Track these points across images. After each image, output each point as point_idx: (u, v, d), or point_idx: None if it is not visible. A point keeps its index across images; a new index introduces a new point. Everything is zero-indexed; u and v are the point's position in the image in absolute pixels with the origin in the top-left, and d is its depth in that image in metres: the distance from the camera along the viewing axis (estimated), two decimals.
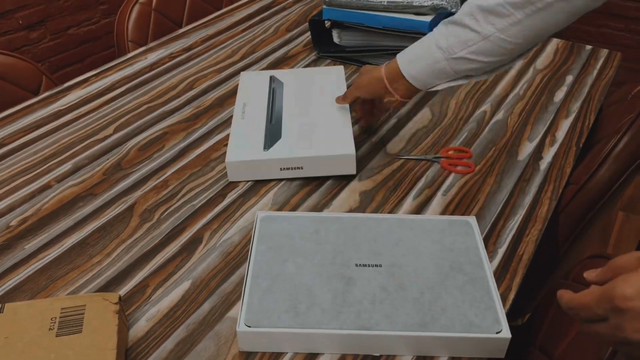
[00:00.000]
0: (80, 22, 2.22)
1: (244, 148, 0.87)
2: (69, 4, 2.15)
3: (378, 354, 0.62)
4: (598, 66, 1.20)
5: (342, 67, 1.08)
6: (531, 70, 1.18)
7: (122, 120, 1.01)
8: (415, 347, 0.61)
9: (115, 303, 0.61)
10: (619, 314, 0.45)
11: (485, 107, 1.06)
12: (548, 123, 1.01)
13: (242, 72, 1.08)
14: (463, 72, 0.78)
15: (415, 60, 0.80)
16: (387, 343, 0.61)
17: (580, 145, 0.96)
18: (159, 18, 1.41)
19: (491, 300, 0.63)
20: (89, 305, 0.61)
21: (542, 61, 1.22)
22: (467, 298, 0.63)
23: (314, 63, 1.21)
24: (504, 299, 0.67)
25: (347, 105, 0.96)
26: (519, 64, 1.20)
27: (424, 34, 1.07)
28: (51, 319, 0.59)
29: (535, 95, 1.10)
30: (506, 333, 0.60)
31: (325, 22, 1.20)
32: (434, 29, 0.80)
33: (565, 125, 1.01)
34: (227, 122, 1.00)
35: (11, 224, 0.79)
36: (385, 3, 1.11)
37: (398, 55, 0.83)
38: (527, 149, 0.95)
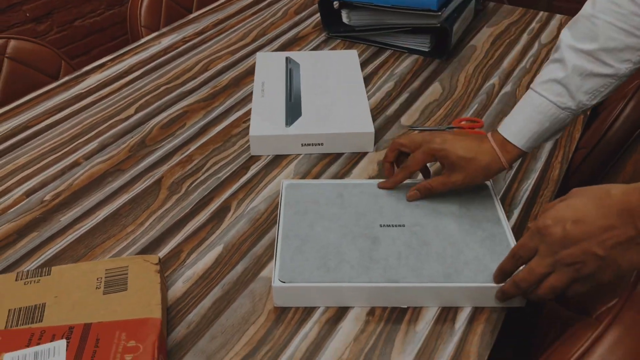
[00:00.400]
0: (86, 14, 2.24)
1: (266, 123, 0.90)
2: None
3: (405, 306, 0.65)
4: None
5: (355, 51, 1.11)
6: (536, 44, 1.21)
7: (142, 101, 1.04)
8: (441, 298, 0.64)
9: (156, 263, 0.65)
10: (544, 242, 0.56)
11: (494, 80, 1.09)
12: None
13: (257, 53, 1.11)
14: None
15: (539, 133, 0.70)
16: (414, 295, 0.64)
17: (588, 112, 0.99)
18: (170, 4, 1.44)
19: None
20: (131, 266, 0.64)
21: (546, 36, 1.25)
22: (488, 252, 0.67)
23: (324, 43, 1.24)
24: None
25: (363, 86, 0.99)
26: (525, 39, 1.23)
27: (432, 11, 1.11)
28: (97, 279, 0.63)
29: (540, 68, 1.13)
30: None
31: (334, 2, 1.23)
32: (539, 90, 0.69)
33: None
34: (244, 101, 1.04)
35: (45, 198, 0.82)
36: None
37: (512, 140, 0.70)
38: None
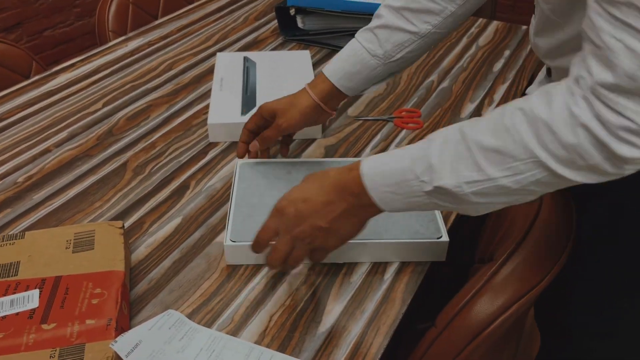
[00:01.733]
0: (56, 25, 2.31)
1: (223, 113, 0.99)
2: (44, 7, 2.24)
3: (342, 261, 0.74)
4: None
5: (308, 51, 1.22)
6: (474, 47, 1.34)
7: (110, 96, 1.12)
8: (372, 254, 0.74)
9: (120, 227, 0.73)
10: (282, 221, 0.63)
11: (433, 77, 1.21)
12: (487, 88, 1.16)
13: (218, 53, 1.20)
14: (397, 68, 0.83)
15: (351, 74, 0.81)
16: (349, 252, 0.73)
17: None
18: (137, 11, 1.52)
19: (433, 215, 0.77)
20: (97, 230, 0.72)
21: (483, 39, 1.37)
22: (414, 214, 0.77)
23: (280, 46, 1.34)
24: (445, 218, 0.81)
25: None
26: (464, 42, 1.35)
27: None
28: (67, 241, 0.71)
29: (477, 66, 1.25)
30: (445, 238, 0.73)
31: (290, 9, 1.33)
32: (357, 37, 0.82)
33: (501, 89, 1.16)
34: (205, 96, 1.12)
35: (18, 180, 0.89)
36: None
37: (326, 73, 0.82)
38: (468, 108, 1.10)
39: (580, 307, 0.77)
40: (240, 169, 0.86)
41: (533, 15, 0.72)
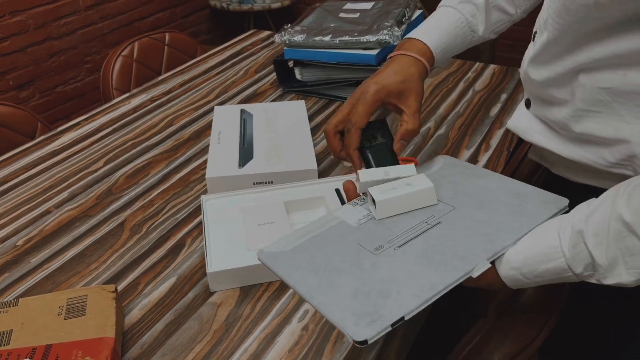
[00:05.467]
0: (67, 81, 2.38)
1: (221, 166, 1.00)
2: (56, 65, 2.32)
3: None
4: None
5: (303, 101, 1.23)
6: (470, 91, 1.35)
7: (111, 154, 1.14)
8: None
9: (112, 291, 0.73)
10: None
11: (430, 124, 1.21)
12: (484, 133, 1.17)
13: (215, 107, 1.22)
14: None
15: (451, 46, 0.77)
16: None
17: (511, 150, 1.10)
18: (140, 68, 1.56)
19: None
20: (90, 294, 0.72)
21: (480, 83, 1.38)
22: None
23: (279, 97, 1.36)
24: None
25: (309, 130, 1.11)
26: (460, 87, 1.36)
27: (372, 66, 1.25)
28: (59, 307, 0.71)
29: (473, 111, 1.25)
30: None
31: (288, 61, 1.36)
32: (458, 8, 0.78)
33: (498, 135, 1.16)
34: (204, 151, 1.14)
35: (17, 243, 0.90)
36: (337, 42, 1.27)
37: (429, 43, 0.75)
38: (465, 155, 1.09)
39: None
40: (206, 204, 0.90)
41: (530, 45, 0.72)
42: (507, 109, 1.26)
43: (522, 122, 0.74)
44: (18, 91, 2.21)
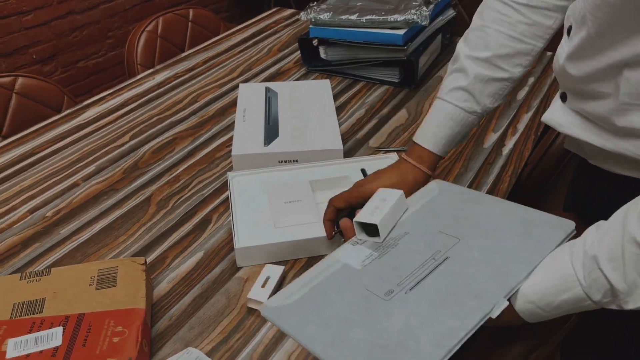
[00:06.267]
0: (89, 56, 2.39)
1: (246, 144, 1.01)
2: (79, 39, 2.32)
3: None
4: None
5: (328, 80, 1.23)
6: None
7: (136, 130, 1.15)
8: None
9: (142, 264, 0.74)
10: None
11: None
12: (511, 117, 1.15)
13: (240, 84, 1.22)
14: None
15: (452, 137, 0.78)
16: None
17: (538, 134, 1.09)
18: (164, 44, 1.56)
19: None
20: (120, 266, 0.74)
21: None
22: None
23: (303, 77, 1.35)
24: None
25: (334, 109, 1.10)
26: None
27: (399, 46, 1.23)
28: (90, 277, 0.72)
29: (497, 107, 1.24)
30: None
31: (313, 40, 1.35)
32: (446, 98, 0.77)
33: (525, 118, 1.14)
34: (228, 128, 1.14)
35: (47, 215, 0.92)
36: (364, 20, 1.26)
37: (427, 145, 0.78)
38: (491, 138, 1.08)
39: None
40: (233, 181, 0.91)
41: (565, 40, 0.70)
42: (535, 92, 1.24)
43: (558, 115, 0.72)
44: (41, 65, 2.22)
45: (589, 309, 0.53)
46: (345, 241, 0.70)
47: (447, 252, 0.61)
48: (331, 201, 0.78)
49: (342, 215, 0.78)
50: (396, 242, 0.65)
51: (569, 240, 0.58)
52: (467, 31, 0.79)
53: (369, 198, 0.72)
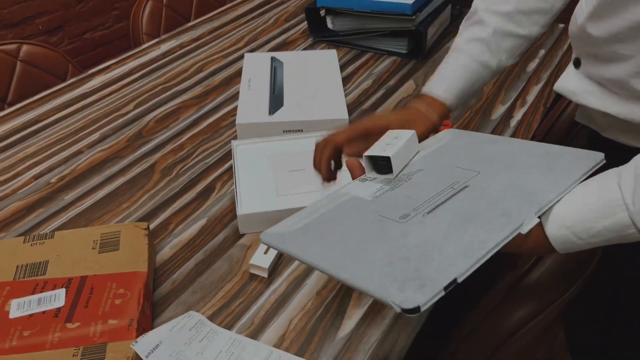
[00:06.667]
0: (95, 27, 2.37)
1: (251, 113, 1.00)
2: (85, 10, 2.30)
3: None
4: (568, 41, 1.31)
5: (334, 50, 1.21)
6: None
7: (141, 98, 1.15)
8: None
9: (145, 229, 0.74)
10: None
11: None
12: (520, 89, 1.13)
13: (246, 54, 1.21)
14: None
15: (465, 89, 0.75)
16: None
17: (547, 106, 1.07)
18: (170, 13, 1.55)
19: None
20: (123, 231, 0.74)
21: None
22: None
23: (310, 47, 1.33)
24: None
25: (340, 80, 1.09)
26: None
27: (407, 15, 1.21)
28: (93, 241, 0.72)
29: (509, 66, 1.21)
30: None
31: (320, 10, 1.33)
32: (463, 48, 0.74)
33: (535, 90, 1.13)
34: (234, 98, 1.13)
35: (51, 181, 0.92)
36: None
37: (441, 94, 0.74)
38: (499, 110, 1.07)
39: (609, 327, 0.74)
40: (237, 149, 0.90)
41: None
42: (545, 65, 1.22)
43: (571, 83, 0.70)
44: (47, 36, 2.21)
45: (629, 240, 0.48)
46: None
47: (467, 182, 0.57)
48: (331, 138, 0.70)
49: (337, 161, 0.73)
50: (409, 177, 0.62)
51: (598, 171, 0.54)
52: None
53: (383, 129, 0.68)
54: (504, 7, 0.73)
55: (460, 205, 0.54)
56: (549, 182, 0.55)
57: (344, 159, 0.71)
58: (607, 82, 0.64)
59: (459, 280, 0.44)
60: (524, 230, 0.49)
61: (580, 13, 0.67)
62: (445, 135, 0.72)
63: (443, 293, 0.43)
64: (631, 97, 0.62)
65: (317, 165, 0.71)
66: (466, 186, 0.57)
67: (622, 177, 0.49)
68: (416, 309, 0.42)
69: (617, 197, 0.48)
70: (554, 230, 0.51)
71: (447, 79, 0.75)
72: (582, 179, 0.55)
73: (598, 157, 0.58)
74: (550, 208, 0.52)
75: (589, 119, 0.75)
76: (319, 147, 0.71)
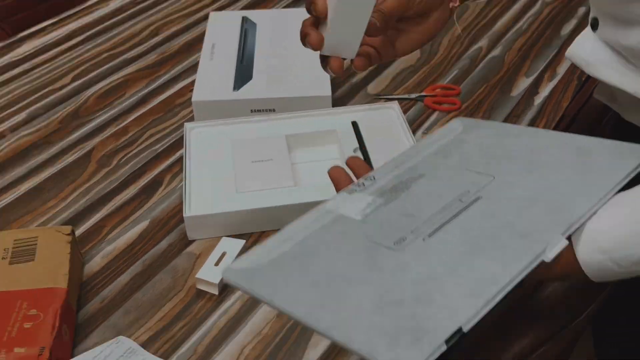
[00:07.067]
0: None
1: (212, 88, 0.99)
2: None
3: None
4: None
5: None
6: (539, 3, 1.28)
7: (81, 69, 1.14)
8: None
9: (68, 234, 0.74)
10: None
11: (482, 42, 1.17)
12: (550, 57, 1.12)
13: (211, 13, 1.19)
14: None
15: None
16: None
17: (583, 79, 1.06)
18: None
19: None
20: (41, 236, 0.73)
21: None
22: None
23: (292, 4, 1.32)
24: None
25: None
26: None
27: None
28: (4, 250, 0.72)
29: (539, 29, 1.20)
30: None
31: None
32: None
33: (568, 61, 1.10)
34: (194, 68, 1.12)
35: None
36: None
37: None
38: (522, 84, 1.05)
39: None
40: (190, 133, 0.90)
41: None
42: (584, 27, 1.19)
43: (586, 50, 0.69)
44: None
45: None
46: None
47: (479, 192, 0.56)
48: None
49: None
50: (408, 185, 0.60)
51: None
52: None
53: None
54: None
55: (470, 224, 0.52)
56: (580, 189, 0.53)
57: None
58: (626, 50, 0.63)
59: (465, 330, 0.42)
60: (548, 257, 0.47)
61: None
62: (455, 127, 0.71)
63: (445, 348, 0.41)
64: None
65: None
66: (478, 197, 0.56)
67: None
68: None
69: None
70: (587, 254, 0.49)
71: None
72: (622, 183, 0.52)
73: None
74: (583, 225, 0.50)
75: (609, 97, 0.74)
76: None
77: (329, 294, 0.47)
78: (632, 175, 0.53)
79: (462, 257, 0.48)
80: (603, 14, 0.66)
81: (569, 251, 0.50)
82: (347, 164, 0.68)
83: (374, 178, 0.62)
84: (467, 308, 0.43)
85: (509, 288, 0.44)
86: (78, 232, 0.81)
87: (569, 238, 0.49)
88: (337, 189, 0.65)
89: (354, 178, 0.65)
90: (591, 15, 0.69)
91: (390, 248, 0.51)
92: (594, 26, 0.68)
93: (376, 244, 0.52)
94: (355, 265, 0.50)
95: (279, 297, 0.48)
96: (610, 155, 0.57)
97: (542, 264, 0.47)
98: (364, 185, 0.62)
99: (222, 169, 0.85)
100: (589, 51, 0.68)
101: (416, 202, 0.57)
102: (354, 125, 0.92)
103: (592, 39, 0.69)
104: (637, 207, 0.50)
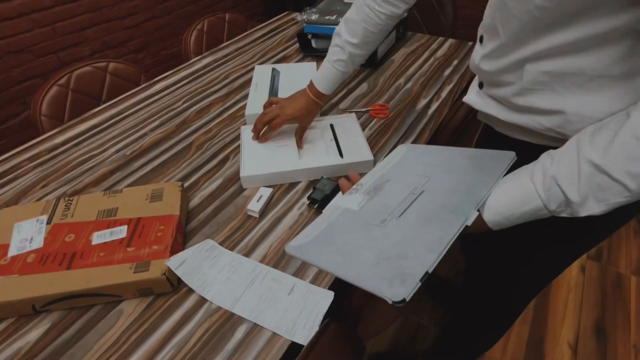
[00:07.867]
0: (168, 46, 2.30)
1: (256, 106, 0.95)
2: (161, 34, 2.23)
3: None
4: None
5: (314, 63, 1.16)
6: (432, 58, 1.24)
7: (187, 97, 1.12)
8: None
9: (179, 187, 0.74)
10: None
11: (401, 80, 1.13)
12: (437, 88, 1.09)
13: (256, 66, 1.16)
14: None
15: (333, 85, 0.81)
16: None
17: (454, 100, 1.03)
18: (209, 38, 1.49)
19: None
20: (165, 187, 0.74)
21: (440, 52, 1.27)
22: None
23: (301, 60, 1.28)
24: None
25: None
26: (426, 55, 1.26)
27: None
28: (146, 195, 0.72)
29: (432, 72, 1.16)
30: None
31: (307, 35, 1.27)
32: (332, 64, 0.80)
33: (447, 89, 1.08)
34: (246, 96, 1.10)
35: (126, 153, 0.92)
36: (340, 20, 1.17)
37: (318, 86, 0.82)
38: (422, 103, 1.03)
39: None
40: (244, 132, 0.88)
41: (478, 46, 0.62)
42: (456, 70, 1.16)
43: (475, 98, 0.66)
44: (135, 54, 2.15)
45: (543, 217, 0.47)
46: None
47: (423, 187, 0.54)
48: (278, 120, 0.81)
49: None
50: (382, 186, 0.58)
51: (511, 164, 0.52)
52: (346, 17, 0.78)
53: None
54: (354, 40, 0.77)
55: (420, 207, 0.51)
56: (480, 180, 0.51)
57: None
58: (500, 98, 0.60)
59: (430, 272, 0.41)
60: (469, 222, 0.47)
61: (476, 56, 0.63)
62: (402, 149, 0.68)
63: (420, 284, 0.40)
64: (515, 109, 0.59)
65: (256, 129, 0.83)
66: (423, 191, 0.54)
67: (533, 174, 0.47)
68: (403, 301, 0.39)
69: (532, 189, 0.47)
70: (490, 216, 0.49)
71: (325, 81, 0.82)
72: (503, 175, 0.51)
73: (510, 155, 0.54)
74: (484, 201, 0.49)
75: (486, 118, 0.71)
76: (261, 121, 0.82)
77: (348, 256, 0.46)
78: (507, 169, 0.52)
79: (420, 227, 0.47)
80: (484, 81, 0.63)
81: (479, 217, 0.50)
82: (347, 175, 0.65)
83: (362, 184, 0.60)
84: (429, 259, 0.42)
85: (451, 244, 0.44)
86: (186, 184, 0.81)
87: (478, 210, 0.49)
88: (343, 192, 0.62)
89: (352, 185, 0.63)
90: (478, 81, 0.65)
91: (379, 226, 0.50)
92: (480, 87, 0.65)
93: (370, 224, 0.51)
94: (359, 238, 0.49)
95: (320, 260, 0.47)
96: (492, 159, 0.55)
97: (466, 227, 0.47)
98: (356, 189, 0.60)
99: (260, 150, 0.84)
100: (477, 99, 0.64)
101: (388, 196, 0.55)
102: (331, 126, 0.91)
103: (478, 92, 0.65)
104: (510, 187, 0.49)
